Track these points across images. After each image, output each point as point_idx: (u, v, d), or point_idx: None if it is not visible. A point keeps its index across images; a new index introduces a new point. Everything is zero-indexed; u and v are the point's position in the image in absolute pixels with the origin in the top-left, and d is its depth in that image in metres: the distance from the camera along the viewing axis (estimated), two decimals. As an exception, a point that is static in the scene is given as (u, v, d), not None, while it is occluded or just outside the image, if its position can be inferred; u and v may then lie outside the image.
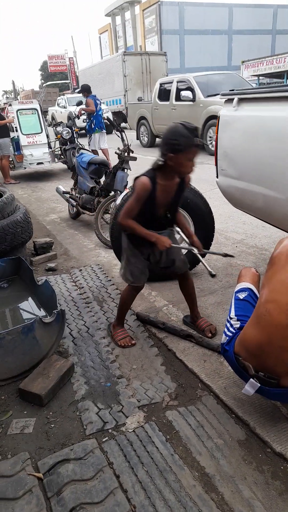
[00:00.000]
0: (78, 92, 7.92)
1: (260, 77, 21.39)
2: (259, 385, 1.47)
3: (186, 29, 29.19)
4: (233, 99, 2.39)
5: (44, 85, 22.01)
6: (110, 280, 3.04)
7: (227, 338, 1.62)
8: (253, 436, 1.58)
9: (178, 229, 2.23)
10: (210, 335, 2.22)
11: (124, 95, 16.07)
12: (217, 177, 2.77)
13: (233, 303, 1.74)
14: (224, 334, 1.66)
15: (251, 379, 1.48)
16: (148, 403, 1.77)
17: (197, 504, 1.33)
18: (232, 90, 2.48)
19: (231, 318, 1.67)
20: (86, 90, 7.53)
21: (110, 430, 1.64)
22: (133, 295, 2.23)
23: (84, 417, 1.71)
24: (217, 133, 2.55)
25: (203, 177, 6.33)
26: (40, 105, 7.87)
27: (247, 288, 1.76)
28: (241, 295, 1.73)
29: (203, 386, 1.87)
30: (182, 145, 1.73)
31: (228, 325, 1.66)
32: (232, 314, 1.68)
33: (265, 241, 3.67)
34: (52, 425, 1.68)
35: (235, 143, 2.44)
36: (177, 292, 2.78)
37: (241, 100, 2.37)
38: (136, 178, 1.92)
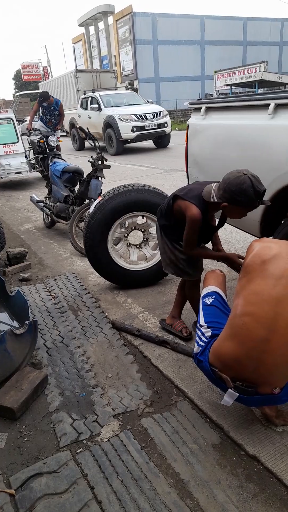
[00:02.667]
0: (40, 102, 8.16)
1: (232, 87, 21.94)
2: (237, 394, 1.47)
3: (159, 40, 29.65)
4: (201, 108, 2.45)
5: (16, 94, 22.05)
6: (86, 288, 3.02)
7: (200, 348, 1.59)
8: (227, 440, 1.59)
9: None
10: (186, 335, 2.28)
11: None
12: (188, 184, 2.81)
13: (201, 310, 1.71)
14: (196, 344, 1.63)
15: (230, 390, 1.47)
16: (123, 412, 1.76)
17: (172, 511, 1.32)
18: (200, 99, 2.54)
19: (201, 326, 1.64)
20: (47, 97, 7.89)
21: (84, 441, 1.62)
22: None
23: (58, 429, 1.68)
24: (187, 141, 2.60)
25: (179, 184, 6.41)
26: (15, 115, 7.83)
27: (213, 292, 1.73)
28: (208, 300, 1.71)
29: (178, 391, 1.87)
30: (244, 204, 1.70)
31: (199, 333, 1.63)
32: (202, 321, 1.65)
33: (238, 246, 3.74)
34: (25, 439, 1.65)
35: (204, 150, 2.49)
36: (152, 299, 2.80)
37: (208, 109, 2.43)
38: (184, 201, 1.90)
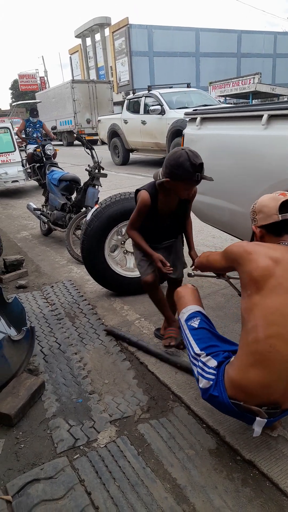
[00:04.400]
0: (32, 115, 8.27)
1: (227, 98, 22.26)
2: (266, 421, 1.35)
3: (155, 51, 30.10)
4: (196, 118, 2.50)
5: (13, 104, 22.25)
6: (82, 295, 3.04)
7: (211, 382, 1.43)
8: (223, 445, 1.60)
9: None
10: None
11: (74, 116, 18.64)
12: (184, 192, 2.85)
13: (189, 335, 1.57)
14: (201, 377, 1.46)
15: (258, 418, 1.35)
16: (120, 417, 1.77)
17: (169, 516, 1.33)
18: (196, 110, 2.60)
19: (198, 355, 1.50)
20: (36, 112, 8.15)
21: (81, 447, 1.62)
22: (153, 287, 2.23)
23: (55, 435, 1.68)
24: (183, 151, 2.65)
25: (173, 193, 6.45)
26: (11, 124, 7.90)
27: (196, 312, 1.63)
28: (195, 323, 1.58)
29: (175, 397, 1.89)
30: (181, 176, 1.76)
31: (200, 364, 1.48)
32: (197, 349, 1.52)
33: (234, 254, 3.77)
34: (22, 445, 1.65)
35: (200, 159, 2.54)
36: (149, 306, 2.81)
37: (203, 119, 2.48)
38: (138, 190, 2.00)
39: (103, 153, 12.10)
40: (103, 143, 12.36)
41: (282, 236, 1.45)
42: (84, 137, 4.27)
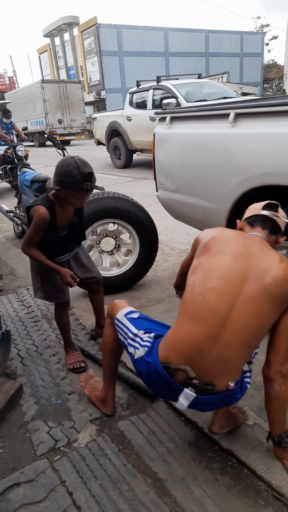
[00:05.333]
0: (6, 115, 8.12)
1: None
2: (194, 395, 1.28)
3: (125, 51, 30.10)
4: (165, 117, 2.53)
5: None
6: (58, 297, 3.01)
7: (146, 349, 1.39)
8: (202, 436, 1.64)
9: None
10: None
11: (45, 117, 18.38)
12: (156, 190, 2.88)
13: (127, 323, 1.53)
14: (136, 349, 1.41)
15: (186, 390, 1.28)
16: (100, 416, 1.78)
17: (151, 510, 1.35)
18: (165, 109, 2.63)
19: (135, 335, 1.46)
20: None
21: (62, 448, 1.62)
22: (61, 312, 2.17)
23: (34, 438, 1.67)
24: (154, 149, 2.68)
25: (148, 191, 6.51)
26: None
27: (134, 310, 1.60)
28: (135, 315, 1.56)
29: (152, 392, 1.91)
30: (71, 184, 1.73)
31: (138, 339, 1.44)
32: (135, 330, 1.48)
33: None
34: (1, 450, 1.63)
35: (170, 158, 2.58)
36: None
37: (173, 119, 2.52)
38: (30, 207, 1.87)
39: (100, 154, 11.37)
40: (99, 143, 10.69)
41: (255, 227, 1.50)
42: (56, 138, 4.21)
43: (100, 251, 2.99)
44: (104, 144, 10.12)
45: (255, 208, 1.54)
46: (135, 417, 1.76)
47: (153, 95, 8.30)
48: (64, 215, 1.93)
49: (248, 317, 1.29)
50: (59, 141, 3.99)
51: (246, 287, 1.31)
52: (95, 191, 1.92)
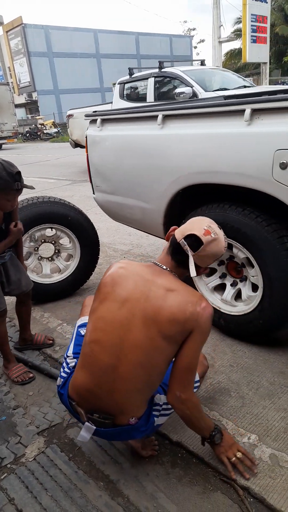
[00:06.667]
0: None
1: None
2: (94, 428, 1.35)
3: (54, 52, 29.53)
4: (96, 119, 2.54)
5: None
6: None
7: (62, 380, 1.46)
8: (152, 433, 1.66)
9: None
10: (51, 341, 2.34)
11: None
12: (93, 193, 2.87)
13: (73, 340, 1.58)
14: (59, 376, 1.49)
15: (86, 423, 1.36)
16: (48, 427, 1.73)
17: (105, 512, 1.35)
18: (95, 111, 2.63)
19: (67, 357, 1.52)
20: None
21: (8, 465, 1.55)
22: None
23: (-22, 460, 1.58)
24: (87, 152, 2.67)
25: (88, 194, 6.45)
26: None
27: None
28: (83, 331, 1.57)
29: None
30: (0, 186, 1.70)
31: (64, 364, 1.51)
32: (70, 352, 1.53)
33: (149, 249, 3.91)
34: None
35: (104, 160, 2.58)
36: (70, 310, 2.79)
37: (104, 121, 2.52)
38: None
39: (33, 158, 10.90)
40: (76, 145, 8.84)
41: (168, 253, 1.40)
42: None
43: (39, 257, 2.91)
44: (83, 146, 7.62)
45: (189, 228, 1.35)
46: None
47: (155, 85, 6.96)
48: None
49: (134, 365, 1.29)
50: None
51: (130, 337, 1.28)
52: (30, 195, 1.87)
